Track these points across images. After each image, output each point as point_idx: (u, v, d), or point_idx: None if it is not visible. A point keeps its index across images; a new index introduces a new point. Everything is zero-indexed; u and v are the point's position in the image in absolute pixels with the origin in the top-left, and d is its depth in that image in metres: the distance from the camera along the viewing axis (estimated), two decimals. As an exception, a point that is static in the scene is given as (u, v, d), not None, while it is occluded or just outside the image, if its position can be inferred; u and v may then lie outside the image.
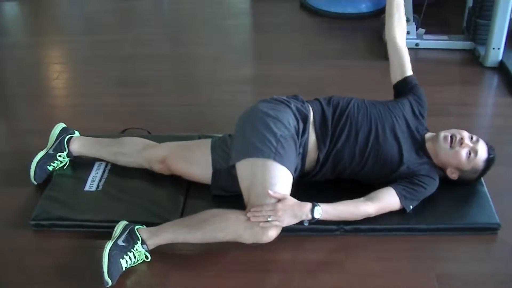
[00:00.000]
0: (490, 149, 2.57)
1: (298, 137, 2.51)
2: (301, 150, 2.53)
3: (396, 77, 2.81)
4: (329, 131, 2.56)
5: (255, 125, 2.49)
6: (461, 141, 2.52)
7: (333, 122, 2.58)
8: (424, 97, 2.75)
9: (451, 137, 2.54)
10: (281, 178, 2.38)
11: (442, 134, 2.57)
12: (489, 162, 2.57)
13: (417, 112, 2.68)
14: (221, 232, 2.34)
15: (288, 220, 2.33)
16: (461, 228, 2.55)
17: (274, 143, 2.40)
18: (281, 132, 2.43)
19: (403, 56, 2.80)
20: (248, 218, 2.30)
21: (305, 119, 2.56)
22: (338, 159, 2.58)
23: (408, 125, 2.62)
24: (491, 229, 2.55)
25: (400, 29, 2.80)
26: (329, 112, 2.60)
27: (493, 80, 3.88)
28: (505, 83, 3.78)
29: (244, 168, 2.43)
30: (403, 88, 2.77)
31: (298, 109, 2.58)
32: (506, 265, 2.42)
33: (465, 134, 2.55)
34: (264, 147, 2.39)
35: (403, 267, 2.39)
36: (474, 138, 2.56)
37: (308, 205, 2.36)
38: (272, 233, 2.33)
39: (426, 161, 2.59)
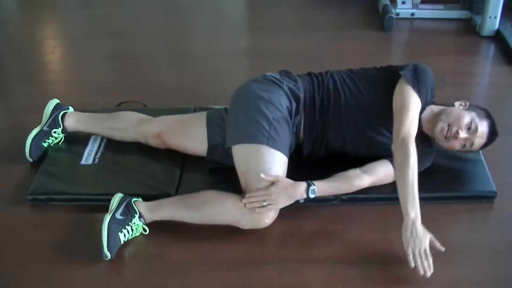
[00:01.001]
0: (491, 134, 2.46)
1: (291, 117, 2.49)
2: (294, 130, 2.52)
3: None
4: (317, 114, 2.53)
5: (247, 109, 2.46)
6: (456, 135, 2.41)
7: (322, 112, 2.54)
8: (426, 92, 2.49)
9: (448, 128, 2.43)
10: (275, 163, 2.37)
11: (440, 125, 2.45)
12: (490, 143, 2.50)
13: None
14: (219, 217, 2.36)
15: (283, 202, 2.35)
16: (458, 197, 2.56)
17: (267, 127, 2.37)
18: (273, 115, 2.40)
19: None
20: (244, 205, 2.32)
21: (297, 99, 2.52)
22: (329, 146, 2.58)
23: None
24: (488, 198, 2.56)
25: None
26: (318, 100, 2.54)
27: (490, 49, 3.87)
28: (501, 52, 3.77)
29: (238, 154, 2.42)
30: None
31: (290, 89, 2.52)
32: (503, 233, 2.43)
33: (463, 124, 2.41)
34: (256, 133, 2.37)
35: (400, 236, 2.39)
36: (473, 126, 2.42)
37: (303, 185, 2.36)
38: (269, 220, 2.36)
39: (422, 143, 2.50)
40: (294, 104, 2.51)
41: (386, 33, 4.08)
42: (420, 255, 2.17)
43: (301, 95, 2.53)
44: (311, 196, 2.36)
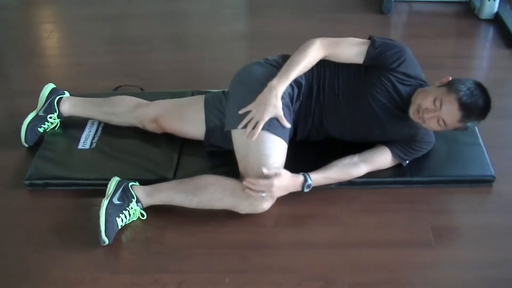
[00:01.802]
0: (464, 106, 2.25)
1: (291, 103, 2.48)
2: (293, 116, 2.51)
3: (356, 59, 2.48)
4: (313, 104, 2.52)
5: (248, 93, 2.43)
6: (423, 114, 2.31)
7: (318, 99, 2.52)
8: (404, 67, 2.42)
9: (418, 110, 2.33)
10: (275, 149, 2.36)
11: (411, 111, 2.37)
12: (472, 116, 2.29)
13: (396, 83, 2.42)
14: (218, 202, 2.36)
15: (279, 193, 2.35)
16: (456, 181, 2.55)
17: None
18: None
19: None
20: (244, 188, 2.31)
21: (299, 86, 2.50)
22: (324, 132, 2.57)
23: (393, 99, 2.43)
24: (486, 182, 2.55)
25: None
26: (315, 87, 2.52)
27: (489, 33, 3.85)
28: (500, 35, 3.75)
29: (238, 138, 2.40)
30: (374, 63, 2.47)
31: None
32: (501, 217, 2.43)
33: (427, 103, 2.29)
34: None
35: (398, 220, 2.40)
36: (437, 103, 2.27)
37: (300, 178, 2.36)
38: (267, 205, 2.37)
39: (419, 125, 2.45)
40: (296, 90, 2.49)
41: (384, 15, 4.05)
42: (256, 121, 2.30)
43: (303, 82, 2.51)
44: (306, 190, 2.37)
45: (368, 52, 2.41)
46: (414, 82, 2.44)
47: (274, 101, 2.33)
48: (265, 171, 2.28)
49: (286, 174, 2.34)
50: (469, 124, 2.32)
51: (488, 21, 3.91)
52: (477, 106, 2.28)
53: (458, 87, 2.29)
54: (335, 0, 4.30)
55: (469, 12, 4.05)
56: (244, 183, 2.31)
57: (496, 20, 3.88)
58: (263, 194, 2.30)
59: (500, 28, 3.80)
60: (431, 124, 2.34)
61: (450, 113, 2.28)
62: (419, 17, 4.11)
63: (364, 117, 2.47)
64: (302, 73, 2.45)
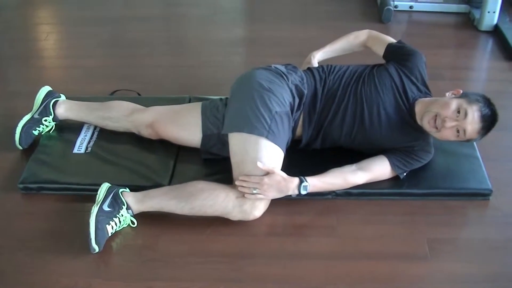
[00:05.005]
0: (485, 117, 2.32)
1: (292, 113, 2.47)
2: (292, 124, 2.51)
3: (381, 52, 2.71)
4: (317, 112, 2.52)
5: (250, 98, 2.41)
6: (443, 124, 2.33)
7: (322, 104, 2.53)
8: (412, 61, 2.54)
9: (435, 119, 2.35)
10: (272, 157, 2.35)
11: (426, 117, 2.38)
12: (487, 128, 2.35)
13: (405, 81, 2.50)
14: (210, 209, 2.34)
15: (273, 195, 2.34)
16: (453, 194, 2.54)
17: (268, 121, 2.35)
18: (276, 109, 2.38)
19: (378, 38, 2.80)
20: (236, 186, 2.32)
21: (301, 96, 2.51)
22: (326, 136, 2.55)
23: (397, 102, 2.48)
24: (483, 195, 2.54)
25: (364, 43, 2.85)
26: (320, 93, 2.53)
27: (488, 44, 3.85)
28: (499, 47, 3.75)
29: (236, 143, 2.39)
30: (389, 57, 2.66)
31: (296, 85, 2.51)
32: (498, 231, 2.42)
33: (449, 112, 2.32)
34: (258, 124, 2.34)
35: (395, 231, 2.39)
36: (462, 112, 2.31)
37: (295, 180, 2.35)
38: (259, 212, 2.36)
39: (419, 135, 2.49)
40: (297, 100, 2.49)
41: (384, 25, 4.05)
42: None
43: (306, 92, 2.51)
44: (303, 192, 2.35)
45: (390, 44, 2.67)
46: (420, 86, 2.52)
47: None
48: (260, 165, 2.29)
49: (280, 174, 2.33)
50: (482, 135, 2.38)
51: (487, 32, 3.92)
52: (493, 118, 2.36)
53: (476, 98, 2.35)
54: (335, 8, 4.31)
55: (469, 23, 4.06)
56: (237, 182, 2.32)
57: (496, 32, 3.88)
58: (255, 191, 2.30)
59: (500, 40, 3.80)
60: (447, 133, 2.36)
61: (474, 123, 2.32)
62: (418, 27, 4.12)
63: (369, 117, 2.48)
64: (343, 48, 2.86)
